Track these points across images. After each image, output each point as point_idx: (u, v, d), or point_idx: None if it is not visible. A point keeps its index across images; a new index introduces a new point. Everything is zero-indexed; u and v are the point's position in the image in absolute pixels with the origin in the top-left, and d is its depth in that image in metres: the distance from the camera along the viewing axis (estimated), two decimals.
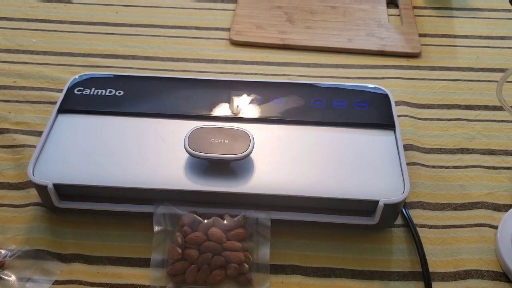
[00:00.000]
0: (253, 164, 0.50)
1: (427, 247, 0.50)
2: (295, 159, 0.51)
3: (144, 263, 0.49)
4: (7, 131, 0.60)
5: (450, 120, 0.62)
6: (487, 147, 0.59)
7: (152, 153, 0.51)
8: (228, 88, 0.58)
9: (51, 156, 0.51)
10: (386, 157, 0.51)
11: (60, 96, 0.57)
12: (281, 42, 0.72)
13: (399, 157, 0.51)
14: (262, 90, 0.58)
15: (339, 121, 0.54)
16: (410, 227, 0.51)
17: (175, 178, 0.49)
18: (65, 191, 0.50)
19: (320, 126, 0.54)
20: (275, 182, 0.49)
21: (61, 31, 0.74)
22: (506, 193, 0.55)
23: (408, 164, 0.56)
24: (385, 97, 0.57)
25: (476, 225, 0.52)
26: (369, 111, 0.55)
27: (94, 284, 0.48)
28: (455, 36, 0.74)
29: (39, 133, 0.60)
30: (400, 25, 0.76)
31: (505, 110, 0.60)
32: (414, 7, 0.79)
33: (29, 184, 0.55)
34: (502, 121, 0.62)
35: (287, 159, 0.51)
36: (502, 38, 0.74)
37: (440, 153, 0.59)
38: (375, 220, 0.49)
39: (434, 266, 0.49)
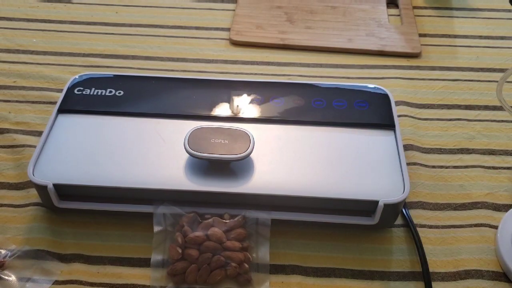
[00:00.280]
0: (253, 164, 0.50)
1: (427, 247, 0.50)
2: (295, 159, 0.51)
3: (144, 263, 0.49)
4: (7, 131, 0.60)
5: (450, 120, 0.62)
6: (487, 147, 0.60)
7: (152, 153, 0.51)
8: (228, 88, 0.58)
9: (51, 156, 0.51)
10: (386, 157, 0.51)
11: (60, 96, 0.57)
12: (281, 42, 0.72)
13: (399, 157, 0.51)
14: (262, 90, 0.58)
15: (339, 121, 0.54)
16: (410, 227, 0.51)
17: (175, 178, 0.49)
18: (65, 191, 0.50)
19: (320, 126, 0.54)
20: (275, 182, 0.49)
21: (61, 31, 0.74)
22: (506, 193, 0.55)
23: (408, 164, 0.56)
24: (385, 97, 0.57)
25: (476, 225, 0.52)
26: (369, 111, 0.55)
27: (94, 284, 0.48)
28: (455, 36, 0.74)
29: (39, 133, 0.60)
30: (400, 25, 0.76)
31: (505, 110, 0.60)
32: (414, 7, 0.79)
33: (29, 184, 0.55)
34: (502, 121, 0.62)
35: (287, 159, 0.51)
36: (502, 38, 0.74)
37: (440, 153, 0.59)
38: (375, 220, 0.49)
39: (434, 266, 0.49)
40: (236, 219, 0.49)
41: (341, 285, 0.48)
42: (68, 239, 0.51)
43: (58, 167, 0.50)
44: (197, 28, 0.75)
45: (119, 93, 0.57)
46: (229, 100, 0.56)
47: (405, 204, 0.53)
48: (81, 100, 0.56)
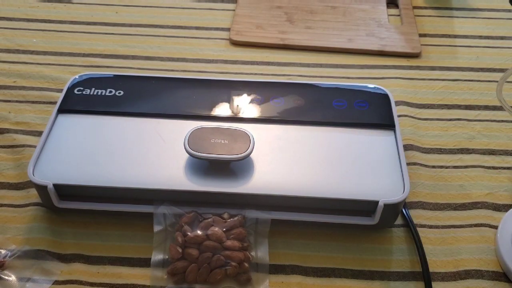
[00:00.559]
0: (253, 164, 0.50)
1: (427, 247, 0.50)
2: (295, 159, 0.51)
3: (144, 263, 0.49)
4: (7, 131, 0.60)
5: (450, 120, 0.62)
6: (487, 147, 0.59)
7: (152, 153, 0.51)
8: (228, 88, 0.58)
9: (51, 156, 0.51)
10: (386, 157, 0.51)
11: (60, 96, 0.57)
12: (281, 42, 0.72)
13: (399, 157, 0.51)
14: (262, 90, 0.58)
15: (339, 121, 0.54)
16: (410, 227, 0.51)
17: (175, 179, 0.49)
18: (65, 191, 0.50)
19: (320, 126, 0.54)
20: (275, 183, 0.49)
21: (61, 31, 0.74)
22: (506, 193, 0.55)
23: (408, 164, 0.56)
24: (385, 97, 0.57)
25: (476, 225, 0.52)
26: (369, 111, 0.55)
27: (94, 284, 0.48)
28: (455, 36, 0.74)
29: (39, 133, 0.60)
30: (400, 25, 0.76)
31: (505, 110, 0.60)
32: (414, 7, 0.79)
33: (29, 184, 0.55)
34: (502, 121, 0.62)
35: (287, 159, 0.51)
36: (502, 38, 0.74)
37: (440, 153, 0.59)
38: (375, 220, 0.49)
39: (434, 266, 0.49)
40: (236, 218, 0.49)
41: (341, 285, 0.48)
42: (68, 239, 0.51)
43: (58, 167, 0.50)
44: (197, 28, 0.75)
45: (119, 93, 0.57)
46: (229, 100, 0.56)
47: (405, 204, 0.53)
48: (81, 100, 0.56)
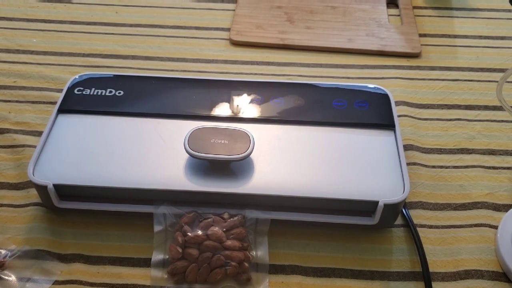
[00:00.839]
0: (253, 164, 0.50)
1: (427, 247, 0.50)
2: (295, 160, 0.51)
3: (144, 263, 0.49)
4: (7, 131, 0.60)
5: (450, 120, 0.62)
6: (487, 147, 0.60)
7: (152, 153, 0.51)
8: (228, 88, 0.58)
9: (51, 156, 0.51)
10: (386, 157, 0.51)
11: (60, 96, 0.57)
12: (281, 42, 0.72)
13: (399, 157, 0.51)
14: (262, 90, 0.58)
15: (339, 121, 0.54)
16: (410, 227, 0.51)
17: (175, 179, 0.49)
18: (65, 191, 0.50)
19: (320, 126, 0.54)
20: (275, 183, 0.49)
21: (61, 31, 0.74)
22: (506, 193, 0.55)
23: (408, 164, 0.56)
24: (385, 97, 0.57)
25: (476, 225, 0.52)
26: (369, 111, 0.55)
27: (94, 284, 0.48)
28: (455, 36, 0.74)
29: (39, 133, 0.60)
30: (400, 25, 0.76)
31: (505, 110, 0.60)
32: (414, 7, 0.79)
33: (29, 184, 0.55)
34: (502, 121, 0.62)
35: (287, 160, 0.51)
36: (502, 38, 0.74)
37: (440, 153, 0.59)
38: (375, 220, 0.49)
39: (434, 266, 0.49)
40: (236, 218, 0.49)
41: (341, 285, 0.48)
42: (68, 239, 0.51)
43: (58, 167, 0.50)
44: (197, 28, 0.75)
45: (119, 93, 0.57)
46: (229, 100, 0.56)
47: (405, 204, 0.53)
48: (81, 100, 0.56)
